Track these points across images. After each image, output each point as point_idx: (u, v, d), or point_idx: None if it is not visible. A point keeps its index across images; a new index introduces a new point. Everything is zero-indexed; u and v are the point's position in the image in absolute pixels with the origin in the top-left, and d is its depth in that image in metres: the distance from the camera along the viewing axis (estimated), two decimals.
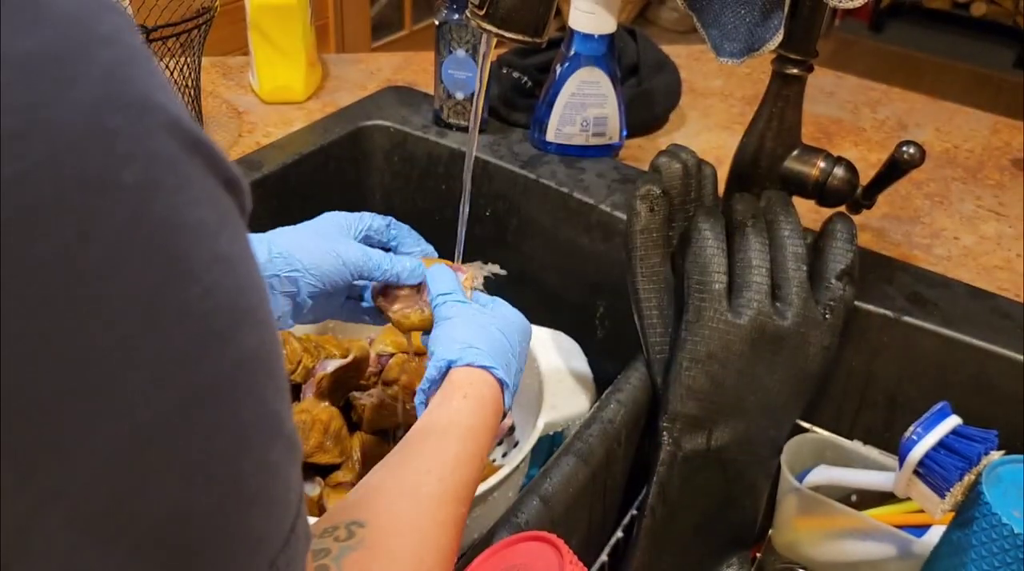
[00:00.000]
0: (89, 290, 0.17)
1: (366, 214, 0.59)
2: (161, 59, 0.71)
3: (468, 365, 0.49)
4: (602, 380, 0.72)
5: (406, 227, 0.61)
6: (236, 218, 0.22)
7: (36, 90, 0.16)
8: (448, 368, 0.49)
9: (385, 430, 0.69)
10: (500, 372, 0.49)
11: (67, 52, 0.17)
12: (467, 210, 0.63)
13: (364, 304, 0.59)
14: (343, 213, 0.58)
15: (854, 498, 0.66)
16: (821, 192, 0.65)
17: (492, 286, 0.80)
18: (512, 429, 0.75)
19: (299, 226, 0.55)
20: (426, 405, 0.49)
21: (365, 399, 0.70)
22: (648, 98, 0.88)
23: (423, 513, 0.42)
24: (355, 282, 0.56)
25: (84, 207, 0.17)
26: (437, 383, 0.50)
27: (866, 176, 0.64)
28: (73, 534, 0.18)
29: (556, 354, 0.73)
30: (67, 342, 0.17)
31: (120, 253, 0.18)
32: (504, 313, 0.55)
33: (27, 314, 0.16)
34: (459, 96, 0.81)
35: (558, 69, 0.78)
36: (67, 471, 0.18)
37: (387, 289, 0.57)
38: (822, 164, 0.64)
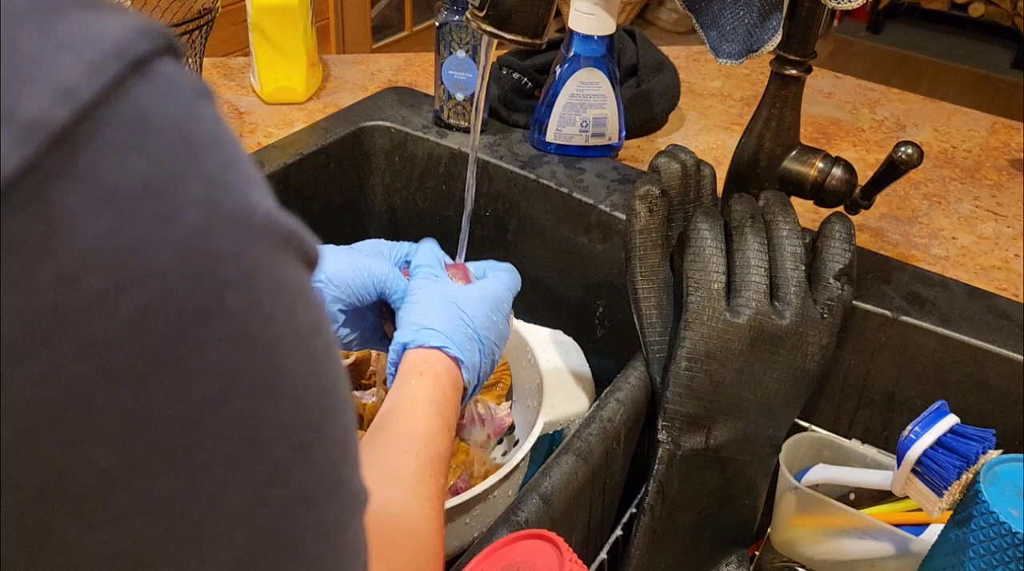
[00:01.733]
0: (195, 430, 0.17)
1: (404, 243, 0.60)
2: None
3: (421, 346, 0.51)
4: (601, 379, 0.73)
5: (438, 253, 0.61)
6: (318, 301, 0.21)
7: (135, 230, 0.15)
8: (404, 350, 0.51)
9: None
10: (453, 350, 0.51)
11: (167, 176, 0.16)
12: (470, 210, 0.64)
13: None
14: (385, 241, 0.60)
15: (852, 497, 0.66)
16: (819, 192, 0.65)
17: None
18: (512, 428, 0.75)
19: (341, 246, 0.57)
20: None
21: (366, 398, 0.70)
22: (647, 99, 0.88)
23: (408, 490, 0.43)
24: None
25: (193, 345, 0.16)
26: (398, 366, 0.51)
27: (864, 176, 0.64)
28: None
29: (556, 353, 0.73)
30: (178, 476, 0.17)
31: (226, 384, 0.17)
32: (477, 287, 0.56)
33: (134, 467, 0.16)
34: (459, 97, 0.81)
35: (558, 70, 0.78)
36: None
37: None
38: (820, 164, 0.65)
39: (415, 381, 0.49)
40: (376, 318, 0.59)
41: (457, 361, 0.51)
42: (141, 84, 0.15)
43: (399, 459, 0.44)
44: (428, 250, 0.58)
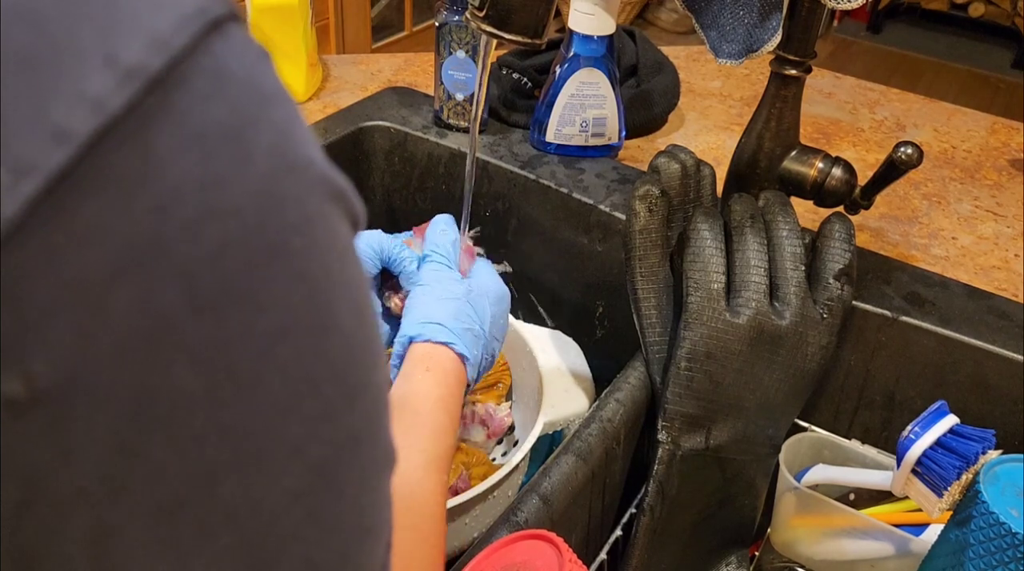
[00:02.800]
0: (263, 360, 0.18)
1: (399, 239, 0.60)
2: None
3: (428, 341, 0.51)
4: (601, 379, 0.73)
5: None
6: (360, 260, 0.22)
7: (213, 169, 0.16)
8: (410, 343, 0.51)
9: None
10: (459, 347, 0.51)
11: (243, 123, 0.17)
12: (468, 210, 0.64)
13: None
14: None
15: (852, 497, 0.66)
16: (819, 192, 0.65)
17: None
18: (512, 428, 0.75)
19: None
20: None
21: None
22: (647, 99, 0.88)
23: (414, 485, 0.43)
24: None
25: (264, 279, 0.17)
26: (402, 358, 0.51)
27: (864, 176, 0.64)
28: None
29: (556, 354, 0.73)
30: (246, 403, 0.18)
31: (290, 320, 0.18)
32: (481, 282, 0.56)
33: (210, 392, 0.17)
34: (459, 97, 0.81)
35: (557, 70, 0.78)
36: (233, 537, 0.18)
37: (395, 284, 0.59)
38: (820, 164, 0.65)
39: (421, 376, 0.49)
40: (378, 288, 0.59)
41: (463, 358, 0.51)
42: (219, 40, 0.17)
43: (405, 454, 0.44)
44: (442, 230, 0.58)
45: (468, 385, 0.52)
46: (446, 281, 0.55)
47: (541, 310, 0.83)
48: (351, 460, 0.21)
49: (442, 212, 0.83)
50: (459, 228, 0.62)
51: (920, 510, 0.59)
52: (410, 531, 0.41)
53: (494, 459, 0.73)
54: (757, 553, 0.71)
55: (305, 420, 0.19)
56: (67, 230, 0.15)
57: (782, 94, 0.64)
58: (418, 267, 0.57)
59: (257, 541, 0.19)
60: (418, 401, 0.48)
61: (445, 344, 0.51)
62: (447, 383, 0.50)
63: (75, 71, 0.15)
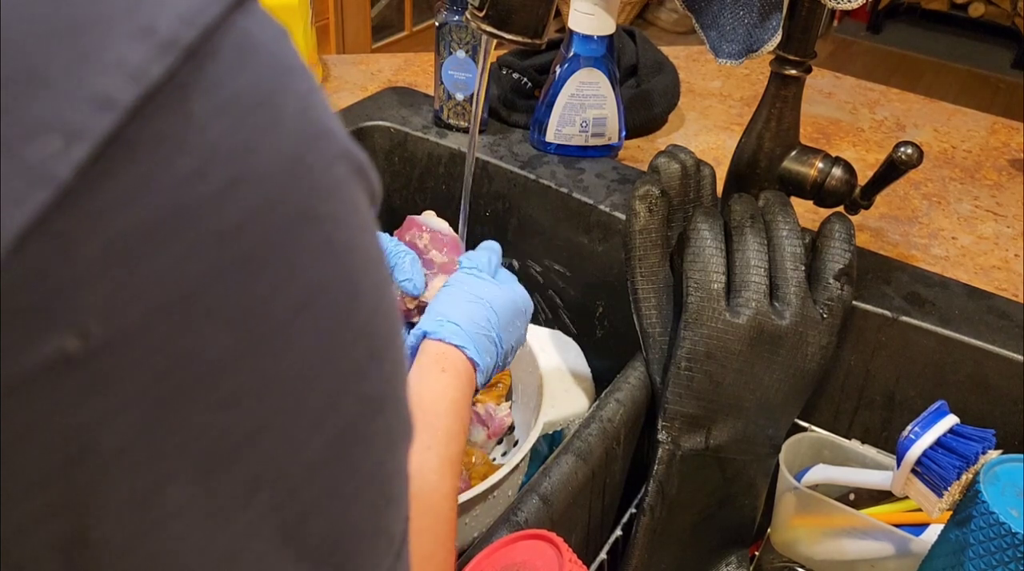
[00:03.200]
0: (295, 321, 0.18)
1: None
2: None
3: (441, 340, 0.51)
4: (601, 379, 0.73)
5: (411, 255, 0.62)
6: (378, 235, 0.23)
7: (245, 136, 0.17)
8: (424, 337, 0.51)
9: None
10: (472, 352, 0.51)
11: (270, 92, 0.18)
12: (467, 210, 0.64)
13: None
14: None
15: (852, 497, 0.66)
16: (819, 192, 0.65)
17: None
18: (512, 428, 0.75)
19: None
20: None
21: None
22: (647, 99, 0.88)
23: (432, 488, 0.44)
24: None
25: (292, 245, 0.18)
26: (415, 350, 0.51)
27: (864, 176, 0.64)
28: (271, 546, 0.20)
29: (556, 354, 0.73)
30: (278, 364, 0.18)
31: (317, 283, 0.19)
32: (509, 290, 0.57)
33: (244, 352, 0.17)
34: (459, 97, 0.81)
35: (557, 70, 0.78)
36: (269, 497, 0.19)
37: None
38: (820, 164, 0.65)
39: (437, 376, 0.49)
40: None
41: (474, 364, 0.51)
42: (243, 16, 0.18)
43: (422, 456, 0.45)
44: (483, 253, 0.59)
45: (476, 391, 0.52)
46: (475, 284, 0.55)
47: (541, 310, 0.83)
48: (377, 422, 0.22)
49: (442, 212, 0.84)
50: (459, 228, 0.62)
51: (920, 510, 0.59)
52: (429, 534, 0.42)
53: (494, 459, 0.73)
54: (757, 553, 0.71)
55: (336, 379, 0.20)
56: (114, 192, 0.15)
57: (782, 94, 0.64)
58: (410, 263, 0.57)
59: (291, 501, 0.19)
60: (434, 402, 0.48)
61: (458, 347, 0.51)
62: (460, 386, 0.50)
63: (115, 41, 0.16)
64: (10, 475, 0.15)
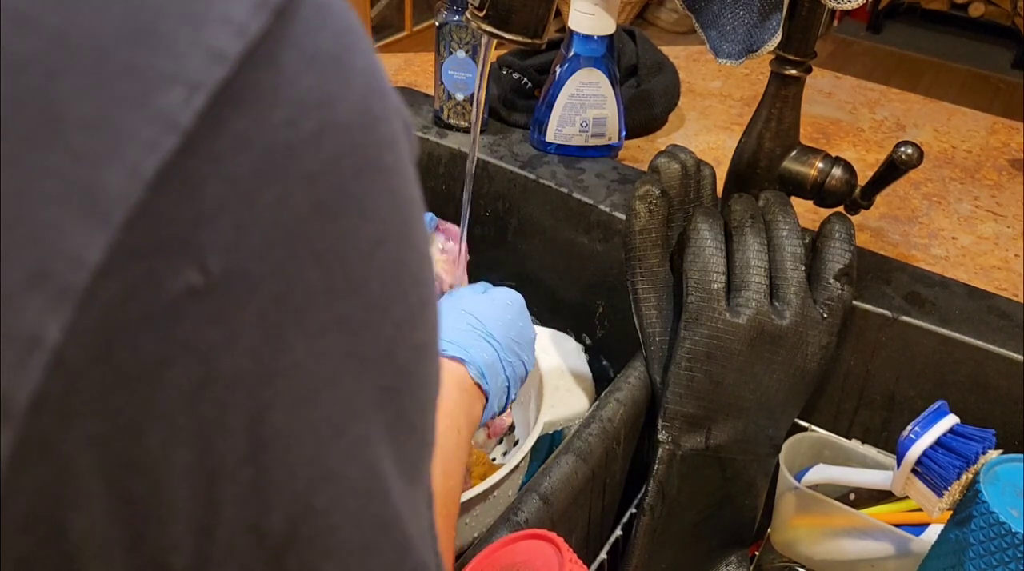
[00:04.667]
0: (366, 263, 0.20)
1: None
2: None
3: (456, 360, 0.51)
4: (601, 379, 0.73)
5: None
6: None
7: (326, 88, 0.18)
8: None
9: None
10: (473, 370, 0.51)
11: (343, 48, 0.19)
12: (468, 211, 0.64)
13: None
14: None
15: (852, 497, 0.66)
16: (819, 192, 0.65)
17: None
18: (512, 428, 0.75)
19: None
20: None
21: None
22: (647, 99, 0.88)
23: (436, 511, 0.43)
24: None
25: (363, 191, 0.20)
26: None
27: (864, 176, 0.64)
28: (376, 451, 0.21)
29: (556, 354, 0.73)
30: (356, 301, 0.20)
31: (384, 228, 0.20)
32: (489, 295, 0.57)
33: (332, 284, 0.19)
34: (459, 97, 0.81)
35: (558, 70, 0.78)
36: (347, 432, 0.21)
37: None
38: (820, 164, 0.65)
39: (445, 393, 0.49)
40: None
41: (487, 395, 0.51)
42: None
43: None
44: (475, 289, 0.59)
45: (487, 399, 0.52)
46: (456, 299, 0.55)
47: (541, 310, 0.83)
48: (424, 369, 0.23)
49: (442, 212, 0.84)
50: (459, 228, 0.62)
51: (920, 510, 0.59)
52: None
53: (494, 459, 0.73)
54: (757, 553, 0.71)
55: (396, 323, 0.21)
56: (225, 137, 0.17)
57: (782, 94, 0.64)
58: None
59: (362, 437, 0.21)
60: (440, 419, 0.48)
61: (456, 359, 0.51)
62: (470, 408, 0.50)
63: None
64: (151, 400, 0.16)
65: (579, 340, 0.77)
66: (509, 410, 0.74)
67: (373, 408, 0.21)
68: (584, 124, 0.80)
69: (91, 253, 0.15)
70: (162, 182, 0.16)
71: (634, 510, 0.61)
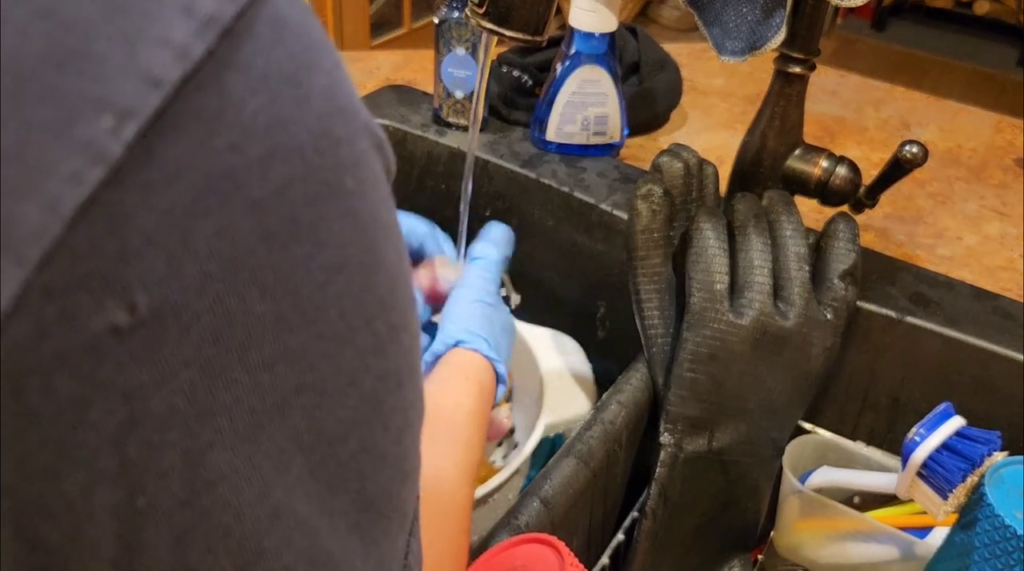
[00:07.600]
0: (322, 292, 0.19)
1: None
2: None
3: (475, 351, 0.51)
4: (603, 381, 0.72)
5: (442, 235, 0.63)
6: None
7: (277, 110, 0.18)
8: (455, 346, 0.51)
9: None
10: (501, 367, 0.51)
11: (300, 67, 0.18)
12: (467, 210, 0.63)
13: None
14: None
15: (856, 500, 0.66)
16: (823, 192, 0.65)
17: None
18: (512, 431, 0.74)
19: None
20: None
21: None
22: (649, 97, 0.87)
23: (448, 498, 0.43)
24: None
25: (322, 215, 0.19)
26: (438, 357, 0.51)
27: (868, 175, 0.64)
28: (312, 504, 0.20)
29: (556, 354, 0.73)
30: (309, 331, 0.19)
31: (344, 252, 0.20)
32: (506, 313, 0.58)
33: (281, 315, 0.18)
34: (459, 95, 0.80)
35: (558, 68, 0.77)
36: (302, 462, 0.20)
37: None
38: (824, 163, 0.64)
39: (460, 384, 0.49)
40: None
41: (499, 377, 0.52)
42: None
43: (441, 463, 0.44)
44: (496, 239, 0.59)
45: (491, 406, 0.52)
46: (488, 296, 0.56)
47: (541, 310, 0.82)
48: (396, 397, 0.22)
49: (441, 212, 0.83)
50: (459, 228, 0.62)
51: (925, 513, 0.59)
52: (448, 543, 0.42)
53: (494, 462, 0.72)
54: (760, 557, 0.71)
55: (359, 352, 0.20)
56: (159, 167, 0.16)
57: (786, 92, 0.63)
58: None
59: (321, 468, 0.20)
60: (454, 410, 0.47)
61: (492, 360, 0.51)
62: (482, 397, 0.49)
63: (159, 19, 0.16)
64: (69, 443, 0.16)
65: (580, 341, 0.76)
66: (510, 413, 0.73)
67: (329, 441, 0.20)
68: (585, 122, 0.79)
69: (2, 292, 0.14)
70: (84, 216, 0.15)
71: (636, 513, 0.61)
